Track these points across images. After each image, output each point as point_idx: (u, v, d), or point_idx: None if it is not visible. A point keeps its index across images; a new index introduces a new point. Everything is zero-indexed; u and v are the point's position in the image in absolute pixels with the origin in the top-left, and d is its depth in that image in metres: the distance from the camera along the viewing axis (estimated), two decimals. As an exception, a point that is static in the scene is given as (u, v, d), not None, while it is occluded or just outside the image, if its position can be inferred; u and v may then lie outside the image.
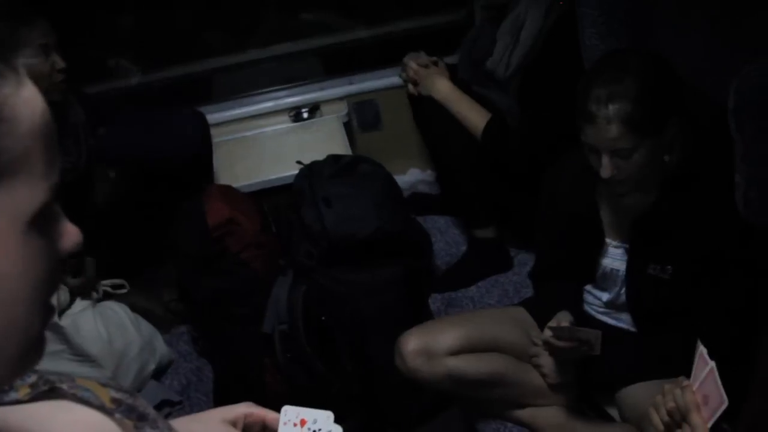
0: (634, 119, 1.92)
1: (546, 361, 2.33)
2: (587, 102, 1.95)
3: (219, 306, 2.72)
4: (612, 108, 1.92)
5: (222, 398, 2.65)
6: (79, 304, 2.55)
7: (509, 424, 2.42)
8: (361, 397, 2.82)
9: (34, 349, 0.68)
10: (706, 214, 2.08)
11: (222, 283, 2.71)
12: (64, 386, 0.84)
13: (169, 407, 2.55)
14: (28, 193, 0.61)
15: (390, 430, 2.93)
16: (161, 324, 2.80)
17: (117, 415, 0.84)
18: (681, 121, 2.02)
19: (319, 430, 1.10)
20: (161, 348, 2.69)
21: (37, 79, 2.32)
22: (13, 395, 0.80)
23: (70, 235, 0.67)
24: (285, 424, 1.12)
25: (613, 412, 2.31)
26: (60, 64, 2.46)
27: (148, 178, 2.94)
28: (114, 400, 0.86)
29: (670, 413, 1.54)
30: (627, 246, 2.21)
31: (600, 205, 2.24)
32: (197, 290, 2.73)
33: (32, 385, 0.82)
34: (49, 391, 0.82)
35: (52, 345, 2.42)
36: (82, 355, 2.43)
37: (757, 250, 2.00)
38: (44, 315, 0.67)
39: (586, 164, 2.11)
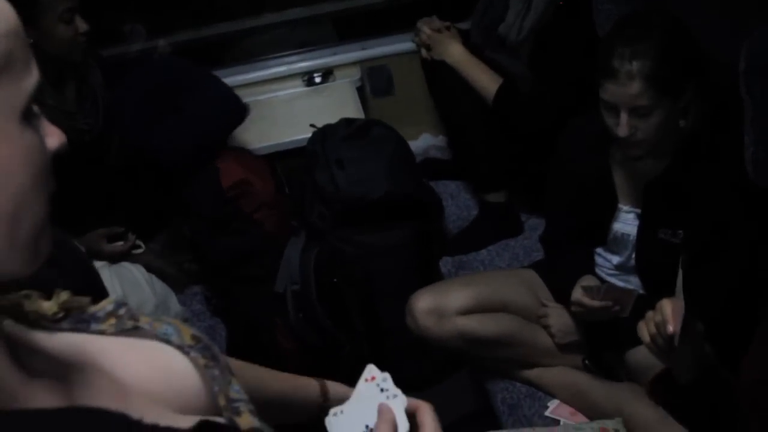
0: (656, 77, 1.94)
1: (554, 321, 2.36)
2: (610, 58, 1.97)
3: (232, 266, 2.76)
4: (635, 64, 1.94)
5: (235, 357, 2.68)
6: (96, 263, 2.58)
7: (517, 384, 2.45)
8: (371, 358, 2.85)
9: (43, 236, 0.71)
10: (718, 180, 2.10)
11: (235, 243, 2.74)
12: (146, 325, 0.86)
13: (183, 365, 2.58)
14: (17, 89, 0.67)
15: (400, 389, 2.97)
16: (175, 284, 2.83)
17: (193, 353, 0.87)
18: (698, 85, 2.03)
19: (387, 389, 1.13)
20: (175, 307, 2.72)
21: (62, 43, 2.35)
22: (95, 326, 0.83)
23: (55, 134, 0.72)
24: (366, 380, 1.15)
25: (620, 372, 2.34)
26: (83, 27, 2.48)
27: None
28: (194, 337, 0.89)
29: (657, 325, 1.70)
30: (639, 211, 2.23)
31: (613, 169, 2.26)
32: (210, 250, 2.76)
33: (118, 317, 0.85)
34: (132, 329, 0.85)
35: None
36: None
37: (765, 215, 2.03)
38: (46, 208, 0.70)
39: (600, 128, 2.13)
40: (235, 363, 1.05)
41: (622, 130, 2.00)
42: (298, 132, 3.12)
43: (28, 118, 0.68)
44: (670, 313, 1.65)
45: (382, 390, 1.12)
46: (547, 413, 2.35)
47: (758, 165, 1.76)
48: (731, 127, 2.14)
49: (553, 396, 2.39)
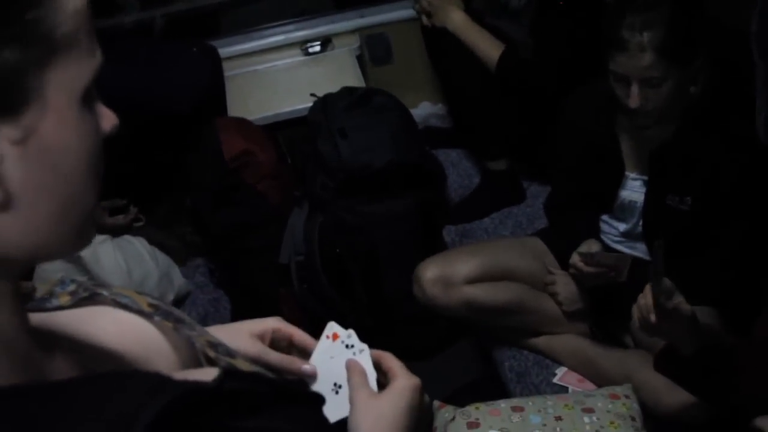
0: (667, 47, 1.92)
1: (561, 288, 2.36)
2: (619, 29, 1.94)
3: (235, 237, 2.74)
4: (646, 35, 1.92)
5: (240, 328, 2.67)
6: (98, 237, 2.56)
7: (525, 352, 2.44)
8: (376, 328, 2.85)
9: (91, 222, 0.70)
10: (726, 146, 2.09)
11: (238, 214, 2.73)
12: (104, 292, 0.86)
13: (188, 337, 2.57)
14: (79, 69, 0.65)
15: (404, 360, 2.97)
16: (177, 256, 2.81)
17: (156, 318, 0.86)
18: (709, 51, 2.01)
19: (352, 345, 1.11)
20: (178, 279, 2.71)
21: None
22: (54, 302, 0.82)
23: (109, 117, 0.71)
24: (327, 337, 1.14)
25: (627, 339, 2.35)
26: None
27: (160, 114, 2.91)
28: (151, 305, 0.88)
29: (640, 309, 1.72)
30: (645, 178, 2.22)
31: (620, 136, 2.24)
32: (213, 222, 2.75)
33: (72, 293, 0.84)
34: (88, 298, 0.84)
35: (74, 275, 2.45)
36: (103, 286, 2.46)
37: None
38: (97, 190, 0.69)
39: (607, 95, 2.11)
40: None
41: (634, 102, 1.99)
42: (298, 101, 3.10)
43: (87, 101, 0.66)
44: (651, 301, 1.65)
45: (347, 347, 1.11)
46: (555, 380, 2.35)
47: (771, 129, 1.75)
48: (741, 91, 2.14)
49: (561, 363, 2.39)
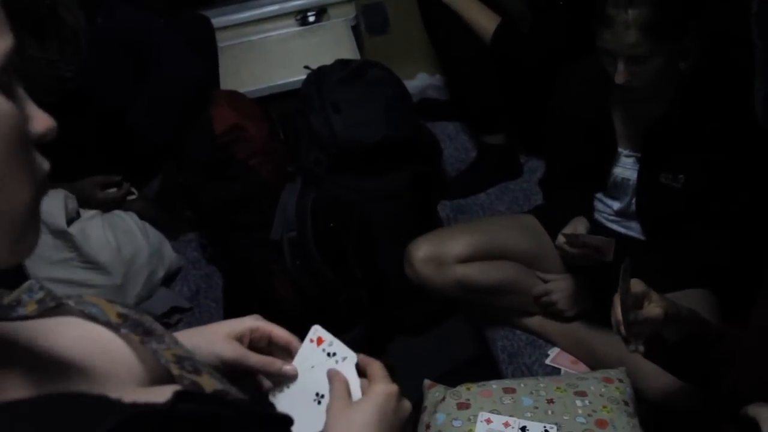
0: (654, 24, 1.87)
1: (558, 296, 2.31)
2: (605, 5, 1.90)
3: (226, 213, 2.71)
4: (632, 12, 1.87)
5: (231, 304, 2.66)
6: (87, 212, 2.53)
7: (518, 332, 2.41)
8: (370, 304, 2.84)
9: (30, 224, 0.66)
10: (720, 122, 2.05)
11: (229, 189, 2.69)
12: (71, 302, 0.83)
13: (179, 314, 2.55)
14: None
15: (397, 336, 2.96)
16: (169, 231, 2.78)
17: (123, 330, 0.83)
18: (699, 26, 1.96)
19: (334, 353, 1.08)
20: (170, 255, 2.67)
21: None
22: (20, 311, 0.79)
23: (41, 119, 0.66)
24: (311, 341, 1.10)
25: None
26: None
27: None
28: (120, 315, 0.85)
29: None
30: (638, 155, 2.18)
31: (613, 113, 2.20)
32: (205, 197, 2.71)
33: (39, 301, 0.81)
34: (56, 308, 0.81)
35: (62, 253, 2.42)
36: (92, 263, 2.43)
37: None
38: (29, 186, 0.65)
39: (599, 70, 2.07)
40: None
41: (619, 78, 1.95)
42: (291, 74, 3.06)
43: (3, 86, 0.62)
44: (620, 317, 1.58)
45: (329, 355, 1.08)
46: (547, 361, 2.32)
47: (769, 111, 1.71)
48: (735, 65, 2.09)
49: (554, 344, 2.36)
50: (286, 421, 0.81)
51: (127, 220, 2.61)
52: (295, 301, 2.77)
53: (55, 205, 2.42)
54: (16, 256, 0.66)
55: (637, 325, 1.58)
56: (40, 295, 0.82)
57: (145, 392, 0.77)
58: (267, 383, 1.13)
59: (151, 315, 2.44)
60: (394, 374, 2.62)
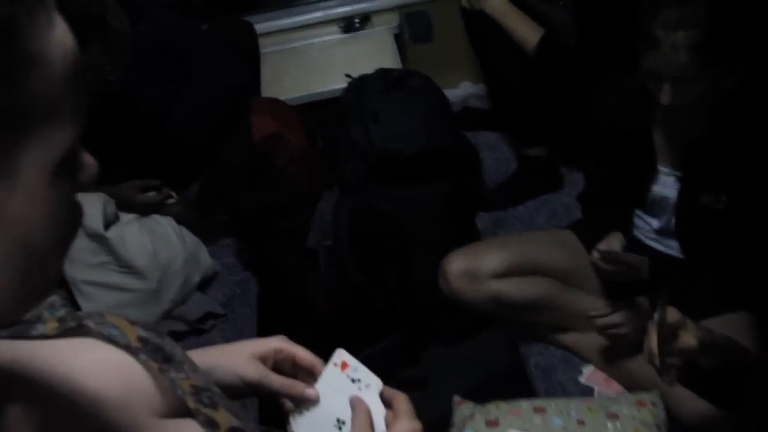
0: (702, 47, 1.82)
1: (630, 329, 2.18)
2: (652, 26, 1.85)
3: (263, 219, 2.72)
4: (681, 34, 1.81)
5: (266, 311, 2.66)
6: (125, 216, 2.55)
7: (552, 347, 2.37)
8: (404, 313, 2.82)
9: (53, 285, 0.65)
10: (762, 141, 2.00)
11: (267, 196, 2.70)
12: (92, 323, 0.82)
13: (213, 319, 2.56)
14: (59, 139, 0.58)
15: (431, 346, 2.94)
16: (206, 236, 2.79)
17: (142, 356, 0.82)
18: (747, 45, 1.91)
19: (359, 379, 1.07)
20: (205, 260, 2.69)
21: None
22: (40, 328, 0.78)
23: (88, 167, 0.65)
24: (335, 365, 1.09)
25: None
26: None
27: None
28: (141, 339, 0.84)
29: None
30: (679, 174, 2.14)
31: (653, 130, 2.16)
32: (242, 203, 2.73)
33: (60, 320, 0.80)
34: (76, 328, 0.80)
35: (99, 256, 2.44)
36: (128, 267, 2.45)
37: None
38: (62, 261, 0.64)
39: (639, 87, 2.03)
40: None
41: (665, 99, 1.90)
42: (333, 81, 3.06)
43: (64, 170, 0.59)
44: (656, 349, 1.54)
45: (353, 380, 1.07)
46: (581, 379, 2.28)
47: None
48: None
49: (589, 362, 2.32)
50: None
51: (165, 225, 2.63)
52: (329, 310, 2.77)
53: (93, 208, 2.44)
54: (16, 315, 0.66)
55: (672, 356, 1.54)
56: (61, 312, 0.81)
57: (160, 425, 0.76)
58: (289, 404, 1.12)
59: (185, 320, 2.45)
60: (427, 385, 2.62)
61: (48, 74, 0.56)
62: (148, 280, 2.46)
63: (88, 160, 0.65)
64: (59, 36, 0.58)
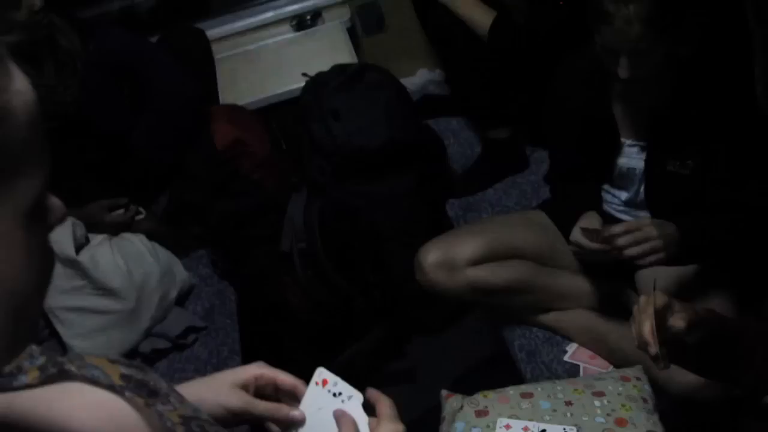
0: (654, 17, 1.82)
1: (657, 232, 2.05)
2: (603, 1, 1.86)
3: (235, 228, 2.71)
4: (632, 7, 1.82)
5: (246, 319, 2.66)
6: (96, 237, 2.53)
7: (534, 330, 2.39)
8: (384, 307, 2.83)
9: (36, 325, 0.67)
10: (723, 105, 2.02)
11: (236, 205, 2.69)
12: (73, 367, 0.82)
13: (195, 333, 2.55)
14: (28, 187, 0.59)
15: (414, 336, 2.95)
16: (179, 249, 2.77)
17: (127, 394, 0.82)
18: (699, 11, 1.93)
19: (339, 393, 1.08)
20: (181, 274, 2.67)
21: (19, 26, 2.16)
22: (22, 379, 0.78)
23: (56, 209, 0.65)
24: (317, 384, 1.11)
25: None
26: (37, 4, 2.32)
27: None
28: (123, 377, 0.85)
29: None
30: (643, 143, 2.16)
31: (613, 103, 2.18)
32: (211, 214, 2.71)
33: (41, 368, 0.80)
34: (57, 374, 0.80)
35: (74, 281, 2.42)
36: (104, 289, 2.43)
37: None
38: (41, 301, 0.65)
39: (596, 63, 2.04)
40: None
41: (623, 73, 1.92)
42: (290, 82, 3.05)
43: (34, 216, 0.60)
44: (647, 335, 1.51)
45: (335, 395, 1.09)
46: (565, 358, 2.31)
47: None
48: (735, 47, 2.06)
49: (571, 340, 2.34)
50: None
51: (136, 243, 2.61)
52: (310, 311, 2.77)
53: (63, 233, 2.41)
54: (17, 354, 0.67)
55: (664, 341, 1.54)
56: (41, 360, 0.81)
57: None
58: (275, 429, 1.12)
59: (167, 336, 2.44)
60: (414, 377, 2.62)
61: (12, 126, 0.57)
62: (125, 300, 2.45)
63: (54, 202, 0.65)
64: (18, 86, 0.59)
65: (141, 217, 2.80)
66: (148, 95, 2.63)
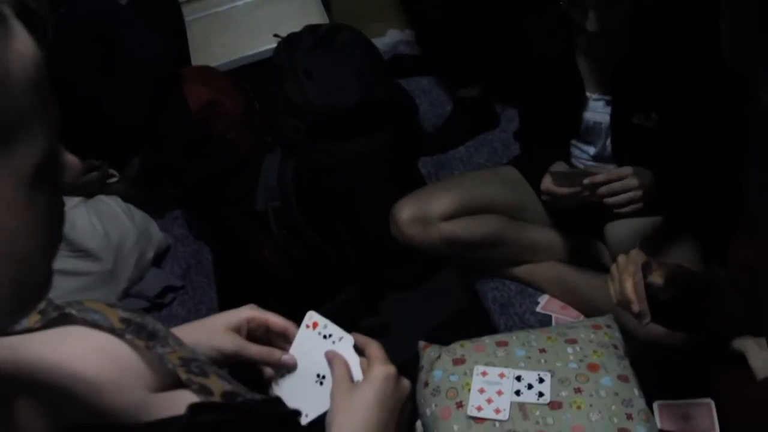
0: None
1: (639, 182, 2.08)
2: None
3: (209, 188, 2.73)
4: None
5: (223, 278, 2.68)
6: (71, 200, 2.54)
7: (507, 282, 2.45)
8: (359, 264, 2.87)
9: (46, 287, 0.65)
10: (684, 56, 2.07)
11: (210, 165, 2.71)
12: (73, 311, 0.83)
13: (173, 292, 2.58)
14: (30, 151, 0.57)
15: (390, 294, 3.00)
16: (154, 210, 2.79)
17: (128, 336, 0.84)
18: None
19: (330, 335, 1.11)
20: (157, 234, 2.69)
21: None
22: (24, 323, 0.80)
23: (72, 167, 0.64)
24: (307, 327, 1.14)
25: (606, 260, 2.37)
26: None
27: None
28: (123, 320, 0.86)
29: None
30: (608, 98, 2.20)
31: (577, 57, 2.21)
32: (187, 175, 2.73)
33: (42, 312, 0.82)
34: (58, 318, 0.82)
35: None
36: (81, 251, 2.44)
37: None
38: (50, 263, 0.63)
39: (559, 17, 2.07)
40: None
41: (592, 26, 1.95)
42: (262, 43, 3.06)
43: (41, 176, 0.58)
44: (629, 293, 1.54)
45: (325, 337, 1.11)
46: (538, 309, 2.37)
47: (736, 52, 1.73)
48: (697, 6, 2.10)
49: (543, 291, 2.40)
50: (294, 415, 0.83)
51: (112, 205, 2.62)
52: (286, 269, 2.80)
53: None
54: (11, 321, 0.67)
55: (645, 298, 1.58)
56: (42, 305, 0.83)
57: (158, 400, 0.79)
58: (268, 371, 1.15)
59: (144, 296, 2.45)
60: (390, 332, 2.62)
61: (9, 90, 0.55)
62: (102, 261, 2.47)
63: (71, 160, 0.64)
64: (19, 47, 0.57)
65: (115, 180, 2.81)
66: (120, 58, 2.62)
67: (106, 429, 0.67)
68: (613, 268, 1.60)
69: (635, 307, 1.53)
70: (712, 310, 1.68)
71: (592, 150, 2.32)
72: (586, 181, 2.03)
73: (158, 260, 2.67)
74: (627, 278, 1.55)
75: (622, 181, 2.01)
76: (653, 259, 1.59)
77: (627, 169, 2.03)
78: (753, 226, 1.69)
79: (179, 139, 2.67)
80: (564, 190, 2.10)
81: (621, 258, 1.59)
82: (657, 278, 1.56)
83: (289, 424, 0.83)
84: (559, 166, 2.21)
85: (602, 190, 2.02)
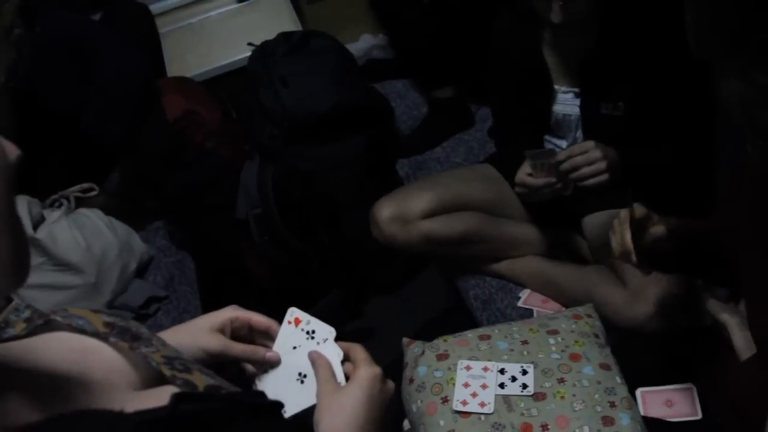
0: None
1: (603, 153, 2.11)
2: None
3: (190, 198, 2.74)
4: None
5: (207, 287, 2.70)
6: (52, 215, 2.54)
7: (488, 278, 2.48)
8: (341, 268, 2.89)
9: (22, 258, 0.69)
10: (648, 45, 2.10)
11: (190, 175, 2.72)
12: (58, 317, 0.85)
13: (157, 303, 2.59)
14: None
15: (373, 296, 3.02)
16: (135, 222, 2.80)
17: (112, 339, 0.86)
18: None
19: (313, 331, 1.13)
20: (139, 246, 2.70)
21: None
22: (10, 331, 0.82)
23: (10, 150, 0.69)
24: (289, 323, 1.16)
25: (585, 253, 2.40)
26: None
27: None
28: (106, 324, 0.88)
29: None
30: (576, 89, 2.23)
31: (544, 51, 2.25)
32: (167, 186, 2.74)
33: (27, 320, 0.84)
34: (44, 324, 0.84)
35: (33, 259, 2.43)
36: (64, 264, 2.45)
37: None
38: (13, 229, 0.69)
39: (527, 12, 2.11)
40: None
41: (557, 17, 1.99)
42: (236, 52, 3.07)
43: None
44: (628, 244, 1.63)
45: (308, 333, 1.14)
46: (519, 304, 2.39)
47: (701, 42, 1.75)
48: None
49: (524, 286, 2.43)
50: (277, 407, 0.86)
51: (93, 218, 2.63)
52: (269, 276, 2.82)
53: (19, 212, 2.42)
54: (11, 286, 0.69)
55: (647, 247, 1.65)
56: (27, 313, 0.84)
57: (143, 396, 0.81)
58: (250, 368, 1.18)
59: (129, 308, 2.45)
60: (373, 335, 2.62)
61: None
62: (85, 274, 2.47)
63: (6, 144, 0.69)
64: None
65: (94, 193, 2.81)
66: (97, 74, 2.63)
67: (92, 415, 0.69)
68: (615, 222, 1.66)
69: (632, 257, 1.61)
70: (714, 253, 1.72)
71: (564, 143, 2.35)
72: (552, 161, 2.07)
73: (141, 271, 2.68)
74: (622, 229, 1.62)
75: (585, 155, 2.05)
76: (654, 213, 1.66)
77: (589, 143, 2.07)
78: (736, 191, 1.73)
79: (158, 150, 2.68)
80: (539, 181, 2.11)
81: (623, 212, 1.65)
82: (658, 228, 1.64)
83: (271, 414, 0.85)
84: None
85: (565, 165, 2.06)
